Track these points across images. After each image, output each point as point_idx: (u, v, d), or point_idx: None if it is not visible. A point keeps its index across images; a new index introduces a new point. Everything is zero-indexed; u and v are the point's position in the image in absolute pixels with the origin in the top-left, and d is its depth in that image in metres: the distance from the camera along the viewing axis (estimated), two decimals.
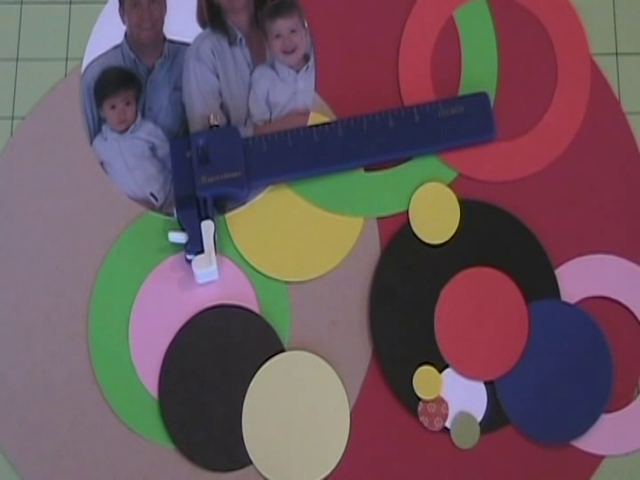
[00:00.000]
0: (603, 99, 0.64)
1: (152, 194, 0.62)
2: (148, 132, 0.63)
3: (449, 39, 0.65)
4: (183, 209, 0.60)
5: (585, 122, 0.63)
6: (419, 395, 0.58)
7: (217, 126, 0.62)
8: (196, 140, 0.61)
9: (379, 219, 0.62)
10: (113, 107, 0.64)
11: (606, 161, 0.63)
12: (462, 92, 0.64)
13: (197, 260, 0.59)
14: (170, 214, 0.61)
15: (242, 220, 0.62)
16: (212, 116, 0.62)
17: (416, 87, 0.64)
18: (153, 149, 0.63)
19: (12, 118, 0.64)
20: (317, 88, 0.64)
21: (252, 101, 0.64)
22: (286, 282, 0.61)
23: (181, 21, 0.65)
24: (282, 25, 0.65)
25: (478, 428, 0.58)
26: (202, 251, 0.59)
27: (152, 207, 0.62)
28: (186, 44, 0.65)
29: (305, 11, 0.65)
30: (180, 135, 0.63)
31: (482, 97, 0.62)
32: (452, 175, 0.62)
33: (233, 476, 0.58)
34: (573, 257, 0.61)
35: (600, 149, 0.63)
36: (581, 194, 0.62)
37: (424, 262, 0.61)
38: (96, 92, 0.64)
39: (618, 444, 0.58)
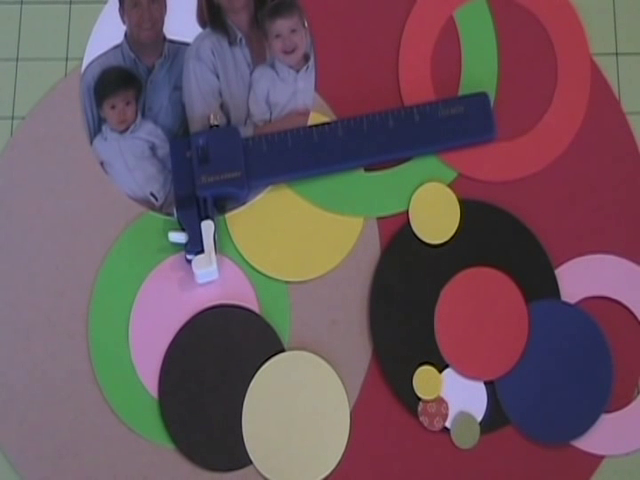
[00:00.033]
0: (603, 99, 0.64)
1: (152, 194, 0.62)
2: (148, 132, 0.63)
3: (449, 39, 0.65)
4: (183, 209, 0.60)
5: (585, 122, 0.63)
6: (419, 395, 0.58)
7: (217, 126, 0.62)
8: (196, 140, 0.61)
9: (379, 219, 0.62)
10: (113, 107, 0.64)
11: (606, 161, 0.63)
12: (462, 92, 0.64)
13: (197, 260, 0.59)
14: (170, 214, 0.61)
15: (242, 220, 0.62)
16: (212, 116, 0.62)
17: (416, 87, 0.64)
18: (153, 149, 0.63)
19: (12, 118, 0.64)
20: (317, 88, 0.64)
21: (252, 101, 0.64)
22: (286, 282, 0.61)
23: (181, 21, 0.65)
24: (282, 25, 0.65)
25: (478, 428, 0.58)
26: (202, 251, 0.59)
27: (152, 207, 0.62)
28: (186, 44, 0.65)
29: (305, 11, 0.65)
30: (180, 135, 0.63)
31: (482, 97, 0.62)
32: (452, 175, 0.62)
33: (233, 476, 0.58)
34: (573, 257, 0.61)
35: (600, 149, 0.63)
36: (581, 194, 0.62)
37: (424, 262, 0.61)
38: (96, 92, 0.64)
39: (618, 444, 0.58)
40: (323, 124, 0.62)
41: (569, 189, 0.62)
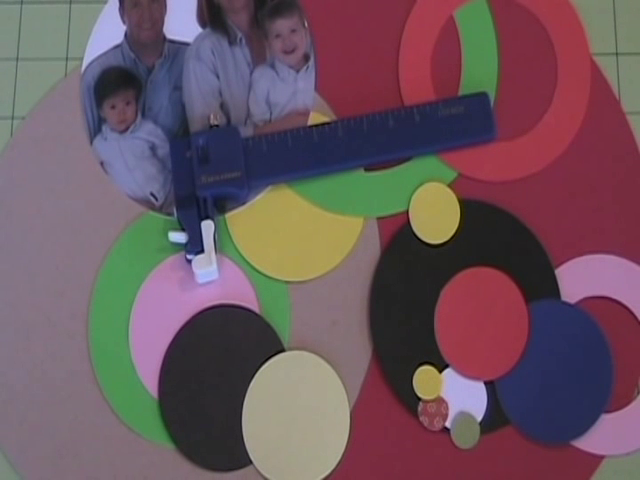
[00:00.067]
0: (603, 99, 0.64)
1: (152, 194, 0.62)
2: (148, 132, 0.63)
3: (449, 39, 0.65)
4: (183, 209, 0.60)
5: (585, 122, 0.63)
6: (419, 395, 0.58)
7: (217, 126, 0.62)
8: (196, 140, 0.61)
9: (379, 219, 0.62)
10: (113, 107, 0.64)
11: (606, 161, 0.63)
12: (462, 92, 0.64)
13: (197, 260, 0.59)
14: (170, 214, 0.61)
15: (242, 220, 0.62)
16: (212, 116, 0.62)
17: (416, 87, 0.64)
18: (153, 149, 0.63)
19: (12, 118, 0.64)
20: (317, 88, 0.64)
21: (252, 101, 0.64)
22: (286, 282, 0.61)
23: (181, 21, 0.65)
24: (282, 25, 0.65)
25: (478, 428, 0.58)
26: (202, 251, 0.59)
27: (152, 207, 0.62)
28: (186, 44, 0.65)
29: (305, 11, 0.65)
30: (180, 135, 0.63)
31: (482, 97, 0.62)
32: (452, 175, 0.62)
33: (233, 476, 0.58)
34: (573, 257, 0.61)
35: (600, 149, 0.63)
36: (581, 194, 0.62)
37: (424, 262, 0.61)
38: (96, 92, 0.64)
39: (618, 444, 0.58)
40: (323, 124, 0.62)
41: (569, 189, 0.62)
